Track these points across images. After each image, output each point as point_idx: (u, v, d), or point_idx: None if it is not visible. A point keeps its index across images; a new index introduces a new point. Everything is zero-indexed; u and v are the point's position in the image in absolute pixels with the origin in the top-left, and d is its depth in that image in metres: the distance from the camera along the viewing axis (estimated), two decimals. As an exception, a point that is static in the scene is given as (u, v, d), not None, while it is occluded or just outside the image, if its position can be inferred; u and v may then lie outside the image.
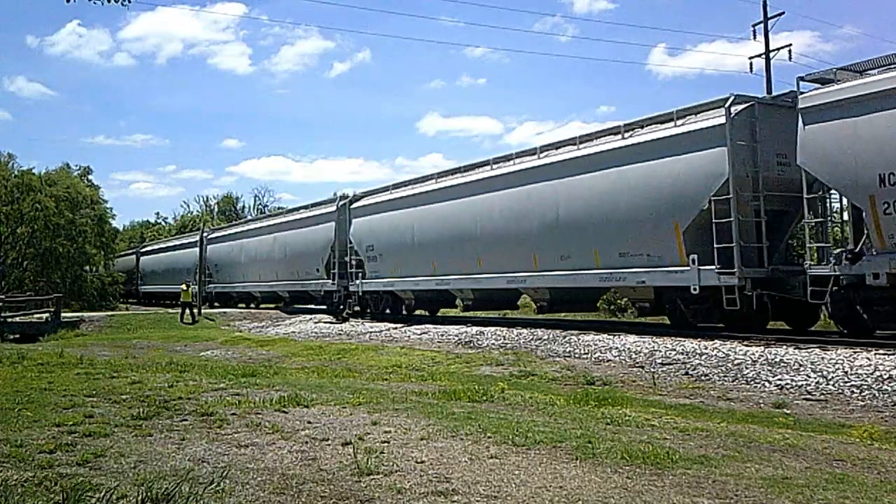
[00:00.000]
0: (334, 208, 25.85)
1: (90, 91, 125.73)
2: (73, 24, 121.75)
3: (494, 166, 18.81)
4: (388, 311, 24.20)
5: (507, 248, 17.70)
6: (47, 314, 25.53)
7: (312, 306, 29.41)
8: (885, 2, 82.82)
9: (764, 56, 29.24)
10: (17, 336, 22.95)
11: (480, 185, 18.87)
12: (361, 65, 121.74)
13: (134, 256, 52.30)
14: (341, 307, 25.80)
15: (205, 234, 38.04)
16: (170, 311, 34.99)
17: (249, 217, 38.35)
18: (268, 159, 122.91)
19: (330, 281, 25.64)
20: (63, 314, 26.57)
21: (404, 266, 21.87)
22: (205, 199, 79.42)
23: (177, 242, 45.37)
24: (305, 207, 29.94)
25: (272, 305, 33.73)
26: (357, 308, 26.19)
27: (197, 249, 37.16)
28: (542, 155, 17.31)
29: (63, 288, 35.34)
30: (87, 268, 41.63)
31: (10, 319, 24.34)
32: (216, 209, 76.22)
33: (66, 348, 14.87)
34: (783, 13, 30.10)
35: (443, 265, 20.08)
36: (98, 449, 4.66)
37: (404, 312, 23.34)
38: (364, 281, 24.09)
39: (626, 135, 15.05)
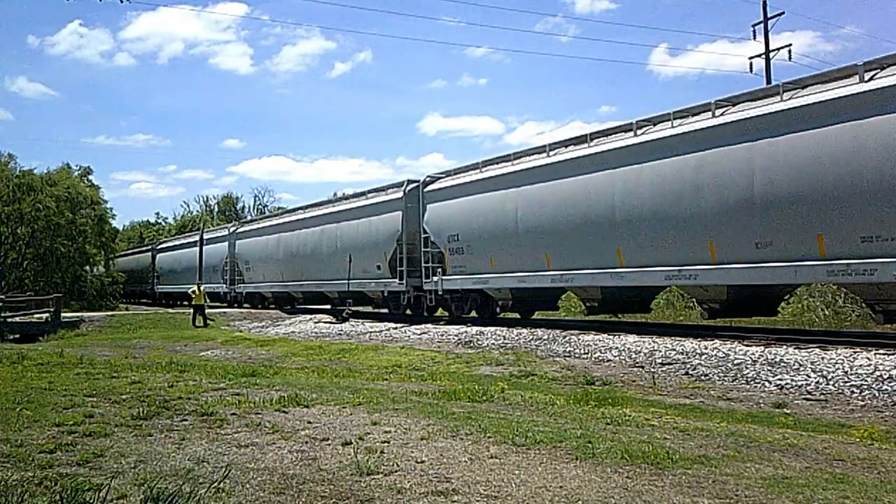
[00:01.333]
0: (401, 194, 21.74)
1: (91, 91, 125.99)
2: (75, 24, 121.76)
3: (641, 132, 14.45)
4: (473, 312, 20.59)
5: (663, 233, 13.61)
6: (47, 314, 25.52)
7: (370, 309, 26.59)
8: (887, 2, 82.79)
9: (764, 56, 29.25)
10: (17, 336, 22.96)
11: (619, 155, 14.53)
12: (363, 65, 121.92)
13: (149, 254, 48.86)
14: (407, 312, 22.47)
15: (234, 229, 35.30)
16: (171, 311, 34.99)
17: (287, 208, 33.72)
18: (269, 159, 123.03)
19: (396, 280, 21.73)
20: (63, 314, 26.57)
21: (502, 259, 17.84)
22: (205, 199, 79.49)
23: (200, 238, 41.10)
24: (362, 194, 25.50)
25: (314, 306, 30.18)
26: (355, 308, 25.52)
27: (225, 245, 34.72)
28: (718, 112, 12.95)
29: (63, 288, 35.33)
30: (87, 268, 41.60)
31: (10, 319, 24.36)
32: (216, 209, 76.24)
33: (66, 348, 14.88)
34: (783, 13, 30.16)
35: (560, 258, 16.08)
36: (98, 449, 4.67)
37: (499, 314, 19.91)
38: (445, 278, 19.92)
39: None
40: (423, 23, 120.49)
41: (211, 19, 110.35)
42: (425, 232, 20.68)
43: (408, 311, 22.56)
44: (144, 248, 52.70)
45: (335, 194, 42.72)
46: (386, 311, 24.66)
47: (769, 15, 29.39)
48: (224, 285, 34.74)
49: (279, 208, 60.32)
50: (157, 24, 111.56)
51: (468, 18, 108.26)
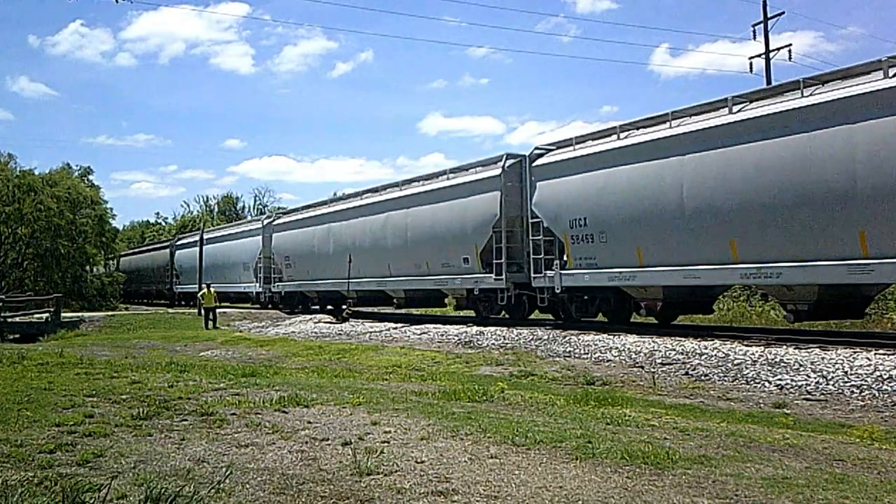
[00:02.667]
0: (498, 171, 17.85)
1: (92, 91, 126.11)
2: (76, 24, 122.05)
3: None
4: (601, 316, 16.80)
5: None
6: (47, 314, 25.54)
7: (436, 312, 23.60)
8: (889, 2, 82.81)
9: (764, 56, 29.25)
10: (17, 336, 22.98)
11: (866, 104, 10.68)
12: (364, 65, 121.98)
13: (168, 251, 44.57)
14: (504, 315, 19.01)
15: (269, 220, 31.79)
16: (170, 311, 34.96)
17: (340, 195, 29.28)
18: (269, 159, 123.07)
19: (491, 275, 17.89)
20: (63, 314, 26.57)
21: (655, 249, 14.02)
22: (205, 199, 79.49)
23: (228, 231, 37.16)
24: (441, 174, 20.96)
25: (373, 309, 26.57)
26: (355, 308, 24.95)
27: (257, 239, 31.39)
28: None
29: (63, 288, 35.35)
30: (87, 268, 41.59)
31: (10, 319, 24.37)
32: (216, 209, 76.25)
33: (66, 348, 14.88)
34: (783, 13, 30.11)
35: (755, 246, 12.31)
36: (98, 449, 4.66)
37: (644, 317, 15.91)
38: (566, 272, 16.11)
39: None
40: (424, 23, 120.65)
41: (212, 19, 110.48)
42: (534, 216, 16.89)
43: (504, 314, 18.98)
44: (161, 245, 48.57)
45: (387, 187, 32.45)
46: (460, 314, 21.02)
47: (769, 15, 29.39)
48: (257, 284, 31.58)
49: (279, 208, 59.92)
50: (158, 23, 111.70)
51: (469, 18, 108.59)
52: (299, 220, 28.50)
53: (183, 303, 41.69)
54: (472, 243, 18.65)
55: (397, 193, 22.28)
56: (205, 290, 25.86)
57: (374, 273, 22.85)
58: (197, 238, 40.66)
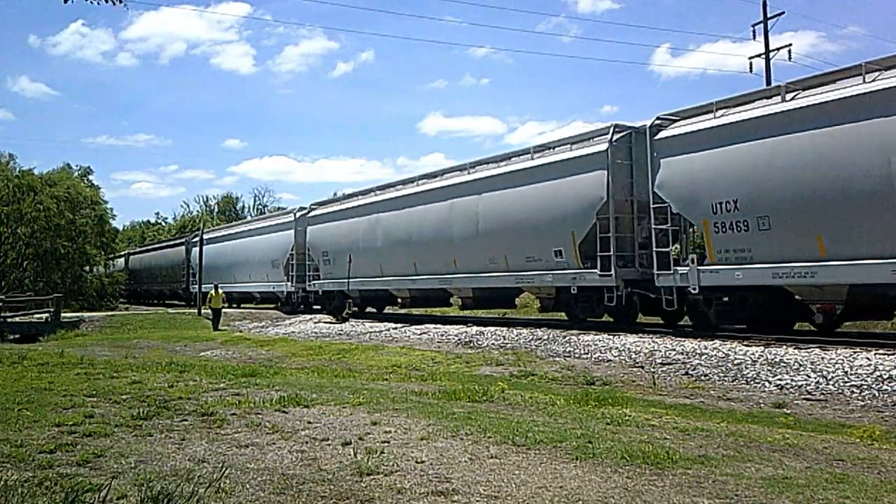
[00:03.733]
0: (605, 145, 15.06)
1: (93, 91, 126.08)
2: (77, 24, 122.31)
3: None
4: (751, 321, 13.52)
5: None
6: (47, 314, 25.55)
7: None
8: (891, 2, 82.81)
9: (764, 56, 29.25)
10: (17, 336, 22.99)
11: None
12: (365, 65, 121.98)
13: (183, 248, 41.29)
14: (608, 319, 16.24)
15: (303, 212, 28.47)
16: (170, 311, 34.94)
17: (382, 183, 25.18)
18: (270, 159, 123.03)
19: (595, 271, 15.06)
20: (63, 314, 26.58)
21: (846, 236, 11.06)
22: (204, 199, 79.52)
23: (254, 226, 34.15)
24: (522, 153, 18.05)
25: (434, 311, 23.64)
26: (355, 308, 24.55)
27: (288, 233, 28.79)
28: None
29: (63, 288, 35.35)
30: (87, 268, 41.58)
31: (10, 319, 24.38)
32: (216, 209, 76.28)
33: (66, 348, 14.88)
34: (783, 13, 30.11)
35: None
36: (98, 449, 4.66)
37: (819, 323, 12.95)
38: (704, 269, 13.18)
39: None
40: (425, 23, 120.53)
41: (213, 19, 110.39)
42: (659, 200, 13.94)
43: (607, 317, 16.33)
44: (176, 242, 45.30)
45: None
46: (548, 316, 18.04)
47: (769, 15, 29.39)
48: (288, 283, 28.65)
49: (279, 208, 59.70)
50: (159, 24, 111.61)
51: (470, 19, 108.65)
52: (340, 212, 25.13)
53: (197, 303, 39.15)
54: (568, 233, 15.71)
55: (466, 177, 19.18)
56: (213, 291, 25.30)
57: (434, 269, 19.84)
58: (216, 234, 38.54)
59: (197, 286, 36.36)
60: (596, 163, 15.24)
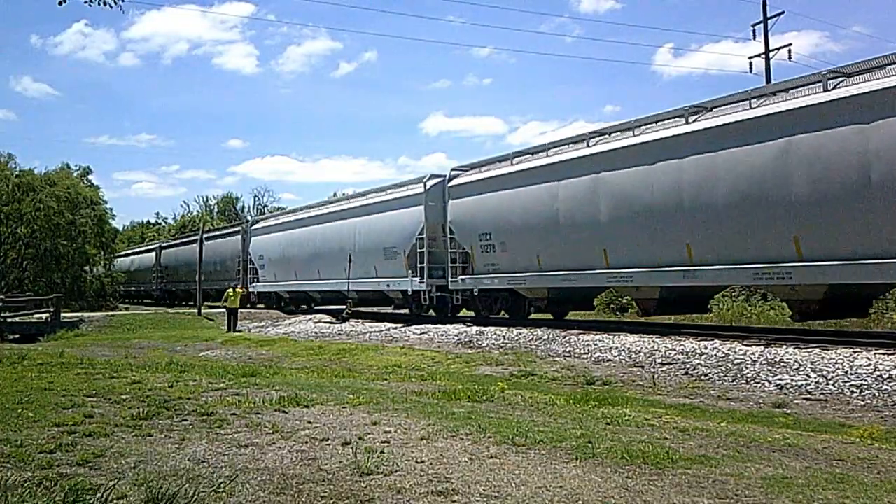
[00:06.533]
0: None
1: (95, 91, 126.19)
2: (80, 24, 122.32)
3: None
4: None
5: None
6: (47, 314, 25.54)
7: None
8: (893, 2, 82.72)
9: (764, 56, 29.25)
10: (17, 336, 22.97)
11: None
12: (367, 65, 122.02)
13: (238, 237, 34.71)
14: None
15: (437, 181, 21.03)
16: (170, 311, 34.90)
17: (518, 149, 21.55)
18: (272, 159, 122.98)
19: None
20: (63, 314, 26.57)
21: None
22: (205, 199, 79.48)
23: (355, 204, 25.51)
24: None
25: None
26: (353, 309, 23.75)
27: (418, 210, 20.92)
28: None
29: (63, 288, 35.34)
30: (87, 268, 41.54)
31: (10, 319, 24.35)
32: (216, 209, 76.28)
33: (66, 348, 14.88)
34: (782, 13, 30.13)
35: None
36: (98, 449, 4.66)
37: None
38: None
39: None
40: (428, 23, 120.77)
41: (216, 19, 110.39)
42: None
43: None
44: (228, 230, 39.39)
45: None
46: None
47: (769, 15, 29.40)
48: (416, 279, 20.78)
49: (278, 208, 59.35)
50: (161, 24, 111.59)
51: (473, 19, 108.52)
52: (517, 174, 17.80)
53: (261, 305, 32.28)
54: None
55: (633, 139, 15.09)
56: (230, 290, 23.76)
57: (584, 263, 15.93)
58: (277, 221, 31.76)
59: (260, 285, 31.74)
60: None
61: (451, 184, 20.44)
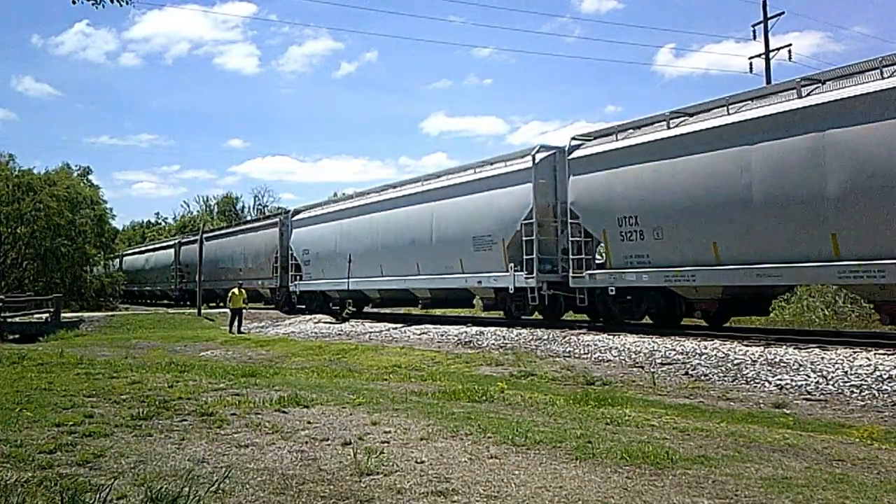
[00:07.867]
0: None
1: (96, 91, 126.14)
2: (81, 24, 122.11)
3: None
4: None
5: None
6: (47, 314, 25.53)
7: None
8: (895, 2, 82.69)
9: (764, 56, 29.25)
10: (17, 336, 22.97)
11: None
12: (368, 65, 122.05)
13: (276, 230, 30.37)
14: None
15: (548, 154, 17.24)
16: (170, 311, 34.87)
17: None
18: (272, 159, 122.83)
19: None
20: (63, 314, 26.57)
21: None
22: (205, 199, 79.44)
23: (430, 187, 21.02)
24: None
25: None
26: (353, 309, 23.65)
27: (524, 188, 16.96)
28: None
29: (63, 288, 35.34)
30: (87, 268, 41.54)
31: (10, 319, 24.34)
32: (216, 209, 76.26)
33: (66, 348, 14.87)
34: (783, 13, 30.12)
35: None
36: (98, 449, 4.66)
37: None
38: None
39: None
40: (429, 23, 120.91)
41: (218, 19, 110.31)
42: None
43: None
44: (264, 222, 34.26)
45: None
46: None
47: (769, 15, 29.40)
48: (521, 273, 16.91)
49: (279, 208, 59.42)
50: (163, 24, 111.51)
51: (474, 19, 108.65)
52: (668, 140, 14.06)
53: (303, 307, 28.74)
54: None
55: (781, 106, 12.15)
56: (235, 290, 23.20)
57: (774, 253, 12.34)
58: (328, 210, 27.21)
59: (303, 283, 27.80)
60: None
61: (572, 156, 16.21)
